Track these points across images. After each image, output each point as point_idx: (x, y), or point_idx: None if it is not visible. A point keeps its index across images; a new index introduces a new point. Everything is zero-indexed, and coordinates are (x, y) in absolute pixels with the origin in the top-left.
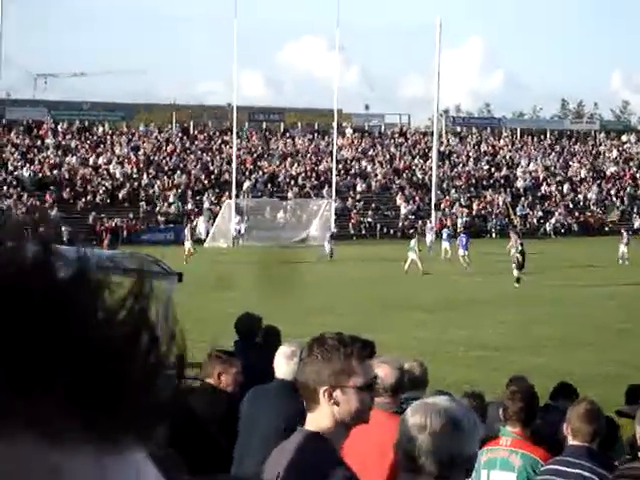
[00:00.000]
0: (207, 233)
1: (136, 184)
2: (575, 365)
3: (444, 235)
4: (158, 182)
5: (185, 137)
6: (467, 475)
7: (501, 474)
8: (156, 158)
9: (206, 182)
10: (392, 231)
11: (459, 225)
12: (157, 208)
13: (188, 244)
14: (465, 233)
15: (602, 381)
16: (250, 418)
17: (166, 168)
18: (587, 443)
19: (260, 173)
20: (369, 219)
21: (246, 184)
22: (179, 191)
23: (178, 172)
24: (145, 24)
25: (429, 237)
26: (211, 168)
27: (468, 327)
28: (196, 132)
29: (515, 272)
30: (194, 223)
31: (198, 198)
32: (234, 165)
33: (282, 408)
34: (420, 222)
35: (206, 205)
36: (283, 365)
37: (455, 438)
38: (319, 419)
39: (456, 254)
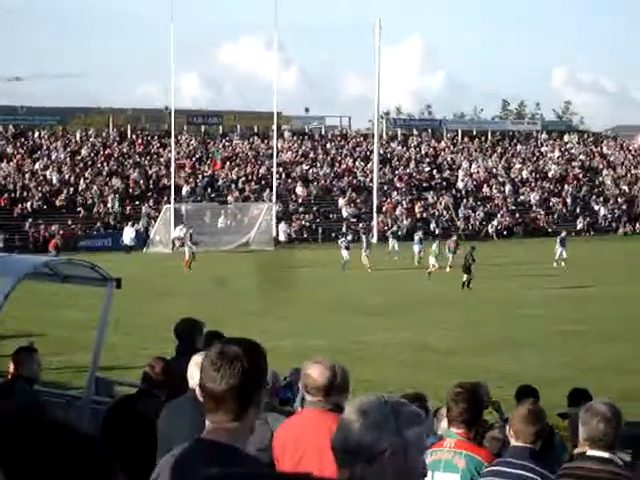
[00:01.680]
0: (138, 240)
1: (73, 190)
2: (520, 367)
3: (416, 239)
4: (95, 187)
5: (123, 141)
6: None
7: (445, 475)
8: (94, 163)
9: (145, 187)
10: (334, 234)
11: (402, 227)
12: (95, 214)
13: (187, 250)
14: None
15: (546, 383)
16: (165, 433)
17: (104, 173)
18: (529, 444)
19: (200, 177)
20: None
21: (185, 188)
22: (117, 196)
23: (115, 177)
24: (81, 27)
25: (391, 241)
26: (150, 172)
27: (413, 329)
28: (134, 136)
29: (464, 277)
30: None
31: (137, 203)
32: (172, 169)
33: (197, 420)
34: (361, 225)
35: (144, 210)
36: (197, 375)
37: (360, 427)
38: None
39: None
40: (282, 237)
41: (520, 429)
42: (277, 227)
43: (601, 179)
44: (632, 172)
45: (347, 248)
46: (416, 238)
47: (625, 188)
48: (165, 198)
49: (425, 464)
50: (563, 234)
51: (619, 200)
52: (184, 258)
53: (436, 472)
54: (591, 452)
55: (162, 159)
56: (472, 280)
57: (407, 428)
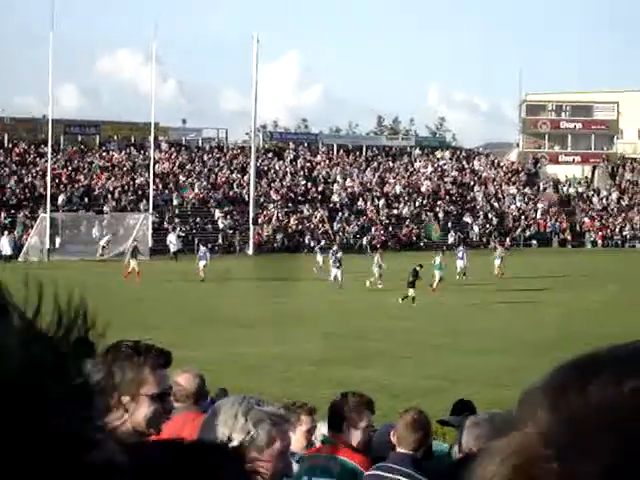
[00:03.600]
0: (14, 249)
1: None
2: (396, 378)
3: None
4: None
5: (0, 150)
6: None
7: None
8: None
9: (21, 196)
10: (210, 245)
11: (276, 240)
12: None
13: (133, 262)
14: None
15: (421, 393)
16: None
17: None
18: (411, 451)
19: (76, 187)
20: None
21: (61, 198)
22: None
23: None
24: None
25: (320, 256)
26: (26, 181)
27: (290, 342)
28: (10, 145)
29: (410, 291)
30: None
31: (13, 212)
32: (49, 179)
33: None
34: (238, 236)
35: (20, 219)
36: None
37: (213, 425)
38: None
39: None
40: (172, 248)
41: (403, 436)
42: (154, 238)
43: (472, 195)
44: (502, 188)
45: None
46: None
47: (496, 204)
48: (41, 207)
49: (289, 465)
50: (461, 247)
51: (489, 215)
52: (128, 269)
53: (313, 477)
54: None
55: (38, 168)
56: (415, 296)
57: (257, 426)
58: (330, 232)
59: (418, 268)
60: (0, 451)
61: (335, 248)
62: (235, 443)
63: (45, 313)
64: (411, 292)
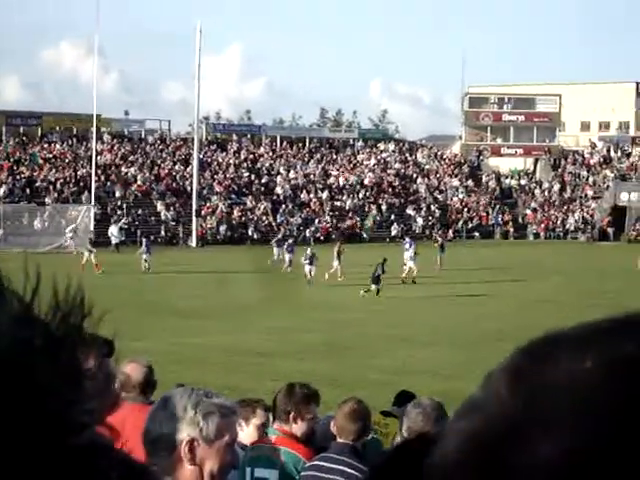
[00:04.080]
0: None
1: None
2: (340, 370)
3: (285, 245)
4: None
5: None
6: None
7: (265, 471)
8: None
9: None
10: (152, 237)
11: (220, 232)
12: None
13: (87, 254)
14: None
15: (366, 385)
16: None
17: None
18: (351, 441)
19: (18, 178)
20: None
21: (2, 189)
22: None
23: None
24: None
25: (276, 250)
26: None
27: (232, 333)
28: None
29: (373, 286)
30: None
31: None
32: None
33: None
34: (181, 228)
35: None
36: None
37: (160, 418)
38: None
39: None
40: (114, 240)
41: (343, 426)
42: (97, 229)
43: (415, 187)
44: (445, 181)
45: (290, 251)
46: (285, 245)
47: (439, 196)
48: None
49: (236, 457)
50: (408, 239)
51: (432, 208)
52: (84, 261)
53: (256, 468)
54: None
55: None
56: (380, 290)
57: (207, 418)
58: (274, 224)
59: (383, 262)
60: None
61: (290, 241)
62: (185, 435)
63: (43, 301)
64: (374, 287)
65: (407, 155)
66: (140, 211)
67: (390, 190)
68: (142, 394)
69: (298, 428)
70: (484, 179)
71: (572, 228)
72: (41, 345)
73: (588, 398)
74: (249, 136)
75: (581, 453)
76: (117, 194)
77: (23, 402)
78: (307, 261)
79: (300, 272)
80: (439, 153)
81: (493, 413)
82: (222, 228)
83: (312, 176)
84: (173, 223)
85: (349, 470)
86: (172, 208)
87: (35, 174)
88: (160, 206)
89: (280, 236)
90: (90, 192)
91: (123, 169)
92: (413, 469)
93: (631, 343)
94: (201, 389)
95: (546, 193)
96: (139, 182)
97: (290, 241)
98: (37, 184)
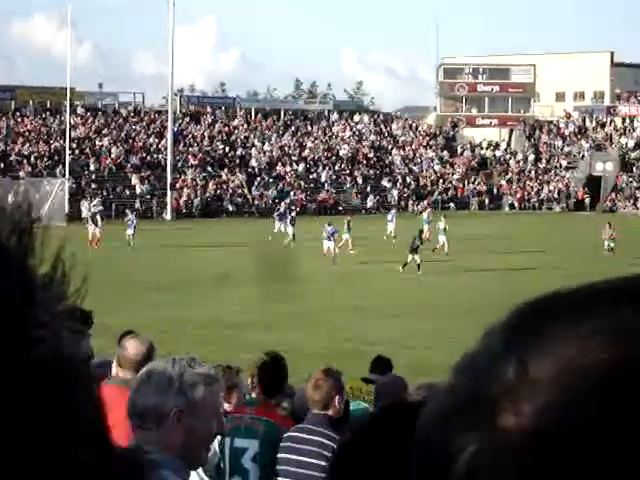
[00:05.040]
0: None
1: None
2: (309, 341)
3: (288, 219)
4: None
5: None
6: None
7: (245, 441)
8: None
9: None
10: (127, 211)
11: (195, 205)
12: None
13: (91, 228)
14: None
15: (338, 356)
16: None
17: None
18: (321, 410)
19: None
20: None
21: None
22: None
23: None
24: None
25: (278, 223)
26: None
27: (204, 306)
28: None
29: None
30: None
31: None
32: None
33: None
34: (155, 201)
35: None
36: None
37: (145, 390)
38: None
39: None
40: (84, 214)
41: (311, 396)
42: (71, 203)
43: (390, 159)
44: (420, 152)
45: (292, 224)
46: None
47: (414, 168)
48: None
49: (221, 423)
50: (393, 211)
51: (407, 179)
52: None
53: (236, 438)
54: None
55: None
56: (421, 262)
57: (192, 389)
58: (249, 197)
59: (419, 233)
60: None
61: (293, 215)
62: (171, 406)
63: None
64: (411, 258)
65: (382, 127)
66: (115, 185)
67: (365, 162)
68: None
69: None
70: (459, 150)
71: (547, 198)
72: None
73: (581, 364)
74: (223, 108)
75: (567, 421)
76: (91, 167)
77: None
78: (328, 237)
79: (303, 246)
80: (414, 125)
81: (485, 369)
82: (197, 201)
83: (287, 148)
84: (148, 196)
85: (326, 441)
86: (147, 181)
87: (9, 148)
88: (135, 179)
89: (282, 210)
90: (64, 166)
91: (97, 142)
92: (389, 437)
93: (629, 310)
94: (183, 358)
95: (521, 164)
96: (113, 155)
97: (293, 214)
98: (11, 158)
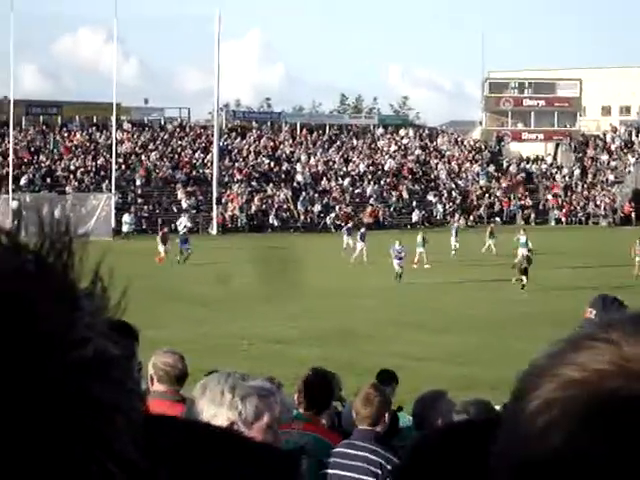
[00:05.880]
0: None
1: None
2: (357, 356)
3: (359, 234)
4: None
5: None
6: None
7: None
8: None
9: None
10: (173, 226)
11: (240, 220)
12: None
13: (162, 246)
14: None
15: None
16: None
17: None
18: (368, 426)
19: (38, 167)
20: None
21: (23, 179)
22: None
23: None
24: None
25: (346, 238)
26: None
27: (251, 321)
28: None
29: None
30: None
31: None
32: (11, 159)
33: None
34: (201, 216)
35: None
36: None
37: (200, 404)
38: None
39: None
40: (125, 228)
41: (358, 412)
42: (117, 218)
43: (436, 173)
44: (465, 167)
45: (362, 240)
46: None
47: (460, 182)
48: (3, 189)
49: (278, 437)
50: (455, 225)
51: (453, 194)
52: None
53: None
54: None
55: (0, 149)
56: (525, 281)
57: (244, 402)
58: (295, 212)
59: (530, 254)
60: None
61: (363, 230)
62: (224, 419)
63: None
64: (524, 279)
65: (427, 141)
66: (161, 199)
67: (410, 176)
68: (175, 386)
69: (325, 415)
70: (505, 164)
71: (594, 213)
72: (32, 271)
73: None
74: (269, 123)
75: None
76: (137, 182)
77: (12, 327)
78: (397, 257)
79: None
80: (459, 139)
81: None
82: (242, 216)
83: (332, 163)
84: (193, 211)
85: (373, 457)
86: (192, 196)
87: (55, 163)
88: (181, 194)
89: (351, 225)
90: (110, 181)
91: (143, 157)
92: (451, 461)
93: None
94: (237, 373)
95: (567, 178)
96: (159, 170)
97: (362, 230)
98: (57, 173)
